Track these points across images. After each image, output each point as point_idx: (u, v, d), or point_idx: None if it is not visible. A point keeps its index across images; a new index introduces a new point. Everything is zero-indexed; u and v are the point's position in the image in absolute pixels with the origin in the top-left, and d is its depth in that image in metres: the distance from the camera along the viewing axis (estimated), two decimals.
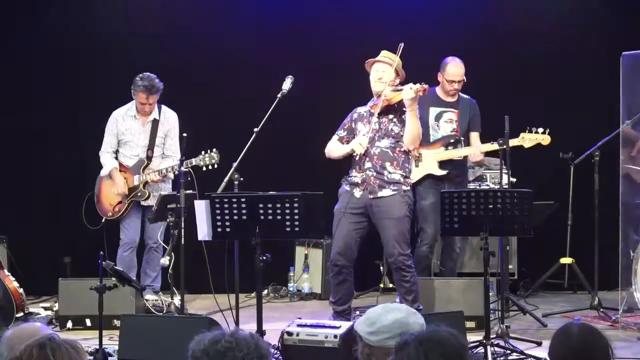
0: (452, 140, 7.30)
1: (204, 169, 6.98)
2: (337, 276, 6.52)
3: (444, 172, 7.23)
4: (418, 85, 6.24)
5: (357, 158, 6.49)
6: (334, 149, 6.69)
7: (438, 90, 7.34)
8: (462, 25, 8.50)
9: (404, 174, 6.48)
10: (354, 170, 6.52)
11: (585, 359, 2.95)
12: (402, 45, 6.40)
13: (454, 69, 7.28)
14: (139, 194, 7.52)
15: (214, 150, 7.01)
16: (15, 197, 8.35)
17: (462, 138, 7.34)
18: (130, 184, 7.54)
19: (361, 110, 6.65)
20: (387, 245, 6.43)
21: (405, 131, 6.41)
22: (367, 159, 6.44)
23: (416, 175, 7.07)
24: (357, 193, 6.46)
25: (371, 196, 6.41)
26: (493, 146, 6.97)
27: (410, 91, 6.23)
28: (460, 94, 7.39)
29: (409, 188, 6.52)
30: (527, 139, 6.93)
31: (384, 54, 6.56)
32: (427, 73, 7.31)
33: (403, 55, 6.43)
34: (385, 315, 3.17)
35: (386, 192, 6.40)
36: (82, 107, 8.33)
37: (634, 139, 7.14)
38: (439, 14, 8.55)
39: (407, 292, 6.43)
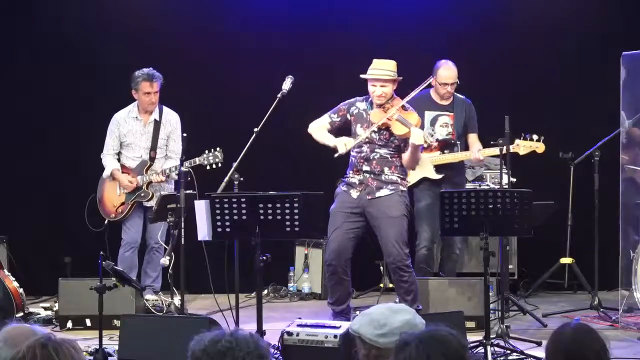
0: (449, 144, 7.29)
1: (208, 167, 6.97)
2: (333, 276, 6.51)
3: (439, 176, 7.22)
4: (430, 137, 6.29)
5: (354, 160, 6.47)
6: (319, 131, 6.56)
7: (432, 93, 7.32)
8: (462, 26, 8.48)
9: (402, 176, 6.47)
10: (351, 172, 6.50)
11: None
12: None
13: (445, 72, 7.24)
14: (142, 195, 7.50)
15: (218, 149, 6.99)
16: (15, 197, 8.35)
17: (458, 142, 7.33)
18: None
19: (361, 106, 6.54)
20: (386, 245, 6.41)
21: (406, 158, 6.39)
22: (366, 163, 6.43)
23: (412, 178, 7.04)
24: (354, 193, 6.44)
25: (369, 197, 6.40)
26: (494, 151, 6.95)
27: (420, 138, 6.23)
28: (456, 94, 7.36)
29: (405, 189, 6.52)
30: (522, 146, 6.94)
31: (378, 66, 6.41)
32: (426, 74, 7.30)
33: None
34: (395, 317, 3.17)
35: (384, 191, 6.39)
36: (82, 107, 8.33)
37: None
38: (438, 14, 8.54)
39: (405, 292, 6.42)
